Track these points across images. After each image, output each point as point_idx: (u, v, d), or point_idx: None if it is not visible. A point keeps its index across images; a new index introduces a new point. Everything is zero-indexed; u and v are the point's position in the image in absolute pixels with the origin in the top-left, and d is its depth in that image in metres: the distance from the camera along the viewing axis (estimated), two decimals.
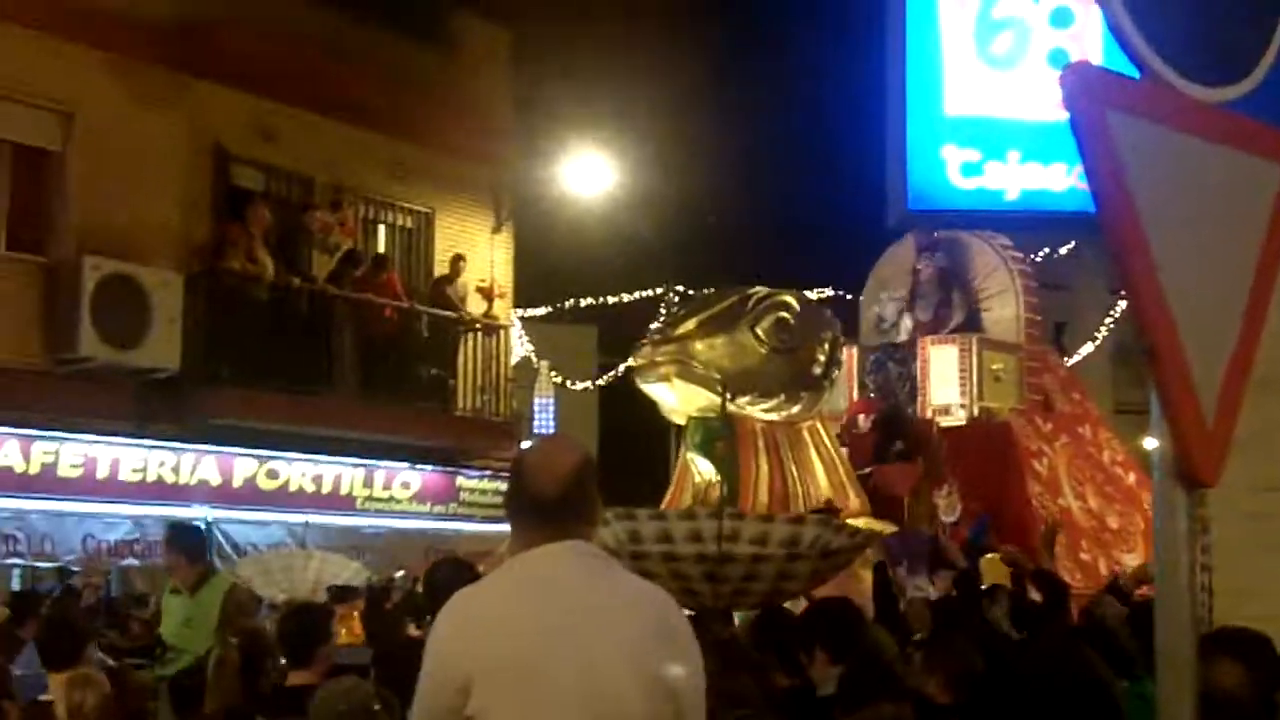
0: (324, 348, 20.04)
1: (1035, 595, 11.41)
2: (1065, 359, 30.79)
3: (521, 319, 26.24)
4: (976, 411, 18.79)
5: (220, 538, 18.81)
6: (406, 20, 22.00)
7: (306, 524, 19.70)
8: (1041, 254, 26.82)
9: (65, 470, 17.66)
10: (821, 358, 15.49)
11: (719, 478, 14.78)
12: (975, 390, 18.80)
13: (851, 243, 18.73)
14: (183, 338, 18.29)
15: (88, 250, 17.66)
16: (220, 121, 19.86)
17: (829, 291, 25.18)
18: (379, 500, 20.88)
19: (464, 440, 21.96)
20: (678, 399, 14.91)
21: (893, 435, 17.65)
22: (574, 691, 3.74)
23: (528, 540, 4.02)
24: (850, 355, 19.33)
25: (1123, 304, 27.83)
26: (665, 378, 14.61)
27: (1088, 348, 29.27)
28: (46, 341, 17.72)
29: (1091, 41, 17.87)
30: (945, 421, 18.66)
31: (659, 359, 14.66)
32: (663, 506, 14.61)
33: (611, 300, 24.52)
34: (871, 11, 20.30)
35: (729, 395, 14.04)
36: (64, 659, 7.59)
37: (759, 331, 14.90)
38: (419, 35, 22.33)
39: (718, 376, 14.21)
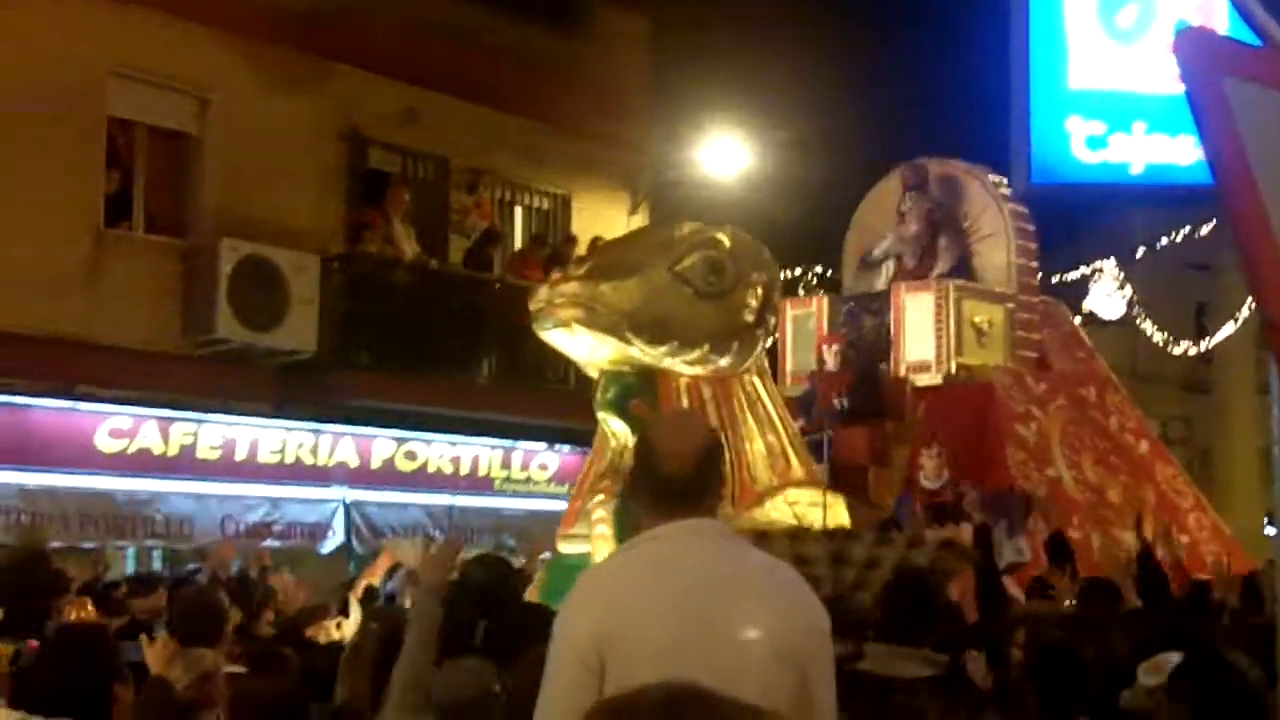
0: (461, 329, 20.03)
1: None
2: (1205, 339, 30.35)
3: None
4: (954, 369, 16.43)
5: (359, 519, 18.88)
6: (542, 4, 21.97)
7: (449, 507, 19.71)
8: (1183, 232, 26.34)
9: (204, 452, 17.78)
10: (754, 303, 12.63)
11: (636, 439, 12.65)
12: (952, 345, 16.35)
13: None
14: (320, 320, 18.35)
15: (225, 233, 17.76)
16: (356, 105, 19.94)
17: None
18: (517, 481, 20.84)
19: None
20: (581, 349, 12.41)
21: (856, 392, 15.76)
22: (708, 666, 3.63)
23: (657, 519, 4.07)
24: (821, 306, 17.71)
25: None
26: (564, 323, 12.00)
27: (1229, 328, 28.61)
28: (184, 323, 17.87)
29: (1219, 13, 17.42)
30: (920, 380, 16.43)
31: (557, 301, 11.99)
32: (581, 476, 13.36)
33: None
34: None
35: (640, 342, 11.99)
36: (200, 639, 7.52)
37: (681, 271, 12.20)
38: (555, 20, 22.29)
39: (626, 324, 11.91)
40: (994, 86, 19.82)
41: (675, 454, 4.09)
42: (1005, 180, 17.87)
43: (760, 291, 12.70)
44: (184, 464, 17.60)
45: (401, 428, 19.50)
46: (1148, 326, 28.97)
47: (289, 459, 18.49)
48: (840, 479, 14.45)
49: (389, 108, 20.21)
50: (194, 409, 17.73)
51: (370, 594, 12.62)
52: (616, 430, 12.39)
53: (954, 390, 16.24)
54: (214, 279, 17.50)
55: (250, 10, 18.55)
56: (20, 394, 16.58)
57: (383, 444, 19.43)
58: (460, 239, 20.90)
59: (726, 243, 12.54)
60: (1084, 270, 26.74)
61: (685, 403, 12.12)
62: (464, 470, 20.15)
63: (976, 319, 16.53)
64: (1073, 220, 30.43)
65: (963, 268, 17.31)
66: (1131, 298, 27.47)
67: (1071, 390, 17.38)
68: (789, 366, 17.55)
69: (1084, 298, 26.95)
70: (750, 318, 12.60)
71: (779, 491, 12.56)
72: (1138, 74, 18.56)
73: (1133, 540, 14.96)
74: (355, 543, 18.72)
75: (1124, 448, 17.33)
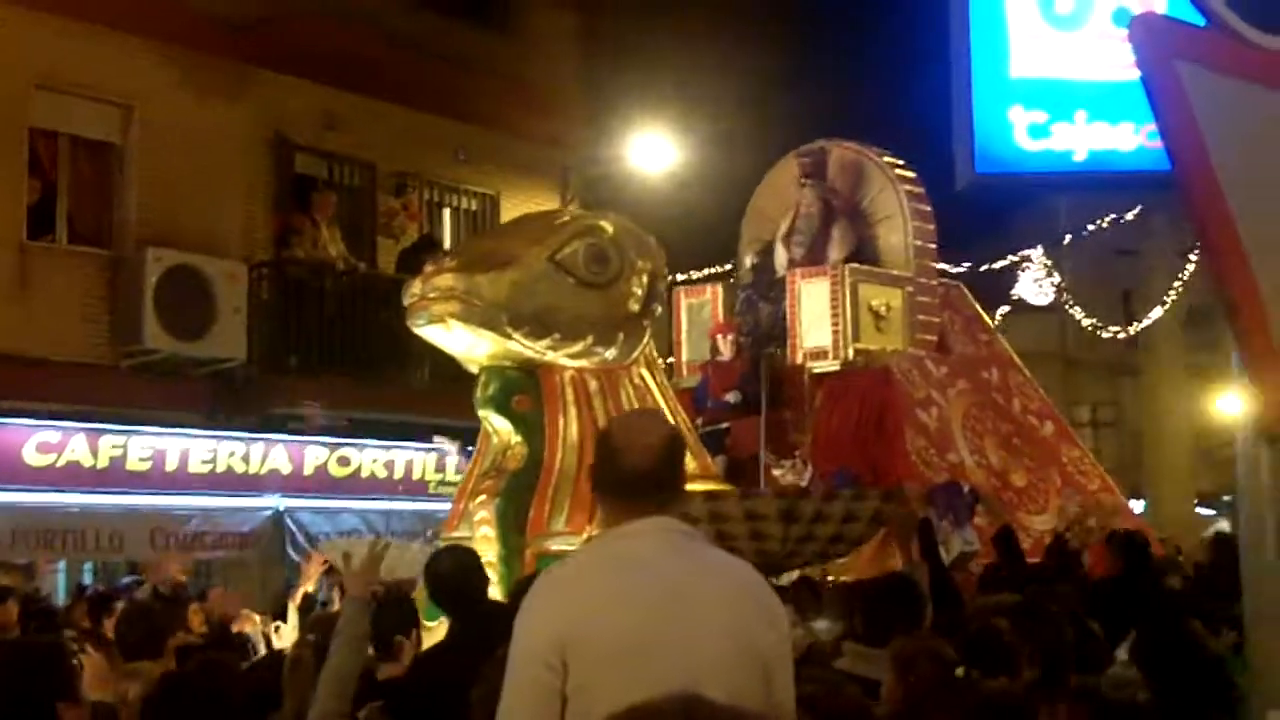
0: (392, 334, 19.90)
1: None
2: (1133, 324, 30.56)
3: None
4: (851, 355, 15.82)
5: (293, 527, 18.78)
6: (469, 4, 21.88)
7: (383, 511, 19.61)
8: (1108, 219, 26.52)
9: (134, 464, 17.58)
10: (638, 291, 12.06)
11: (519, 438, 11.65)
12: (849, 330, 15.76)
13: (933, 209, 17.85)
14: (249, 328, 18.25)
15: (151, 242, 17.64)
16: (282, 110, 19.80)
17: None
18: (451, 485, 20.71)
19: None
20: (458, 344, 11.70)
21: (748, 382, 15.38)
22: (674, 667, 3.70)
23: (617, 516, 4.05)
24: (715, 294, 17.28)
25: (1191, 268, 27.59)
26: (439, 319, 11.30)
27: (1157, 311, 28.82)
28: (112, 335, 17.72)
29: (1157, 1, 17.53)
30: (819, 367, 15.84)
31: (431, 295, 11.30)
32: (464, 477, 12.67)
33: (680, 278, 24.38)
34: None
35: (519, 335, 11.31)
36: (142, 652, 7.48)
37: (562, 260, 11.59)
38: (482, 18, 22.23)
39: (504, 317, 11.23)
40: (930, 76, 19.84)
41: (636, 448, 4.06)
42: (902, 161, 17.37)
43: (645, 280, 12.22)
44: (114, 476, 17.38)
45: (334, 434, 19.36)
46: (1077, 312, 29.16)
47: (220, 468, 18.32)
48: (737, 471, 14.32)
49: (314, 112, 20.08)
50: (123, 421, 17.53)
51: (309, 601, 12.63)
52: (499, 428, 11.79)
53: (851, 376, 15.76)
54: (140, 289, 17.35)
55: (174, 18, 18.36)
56: None
57: (315, 451, 19.28)
58: (389, 242, 20.79)
59: (609, 230, 12.06)
60: (1012, 258, 26.86)
61: (570, 397, 11.65)
62: (398, 475, 20.03)
63: (874, 303, 16.06)
64: (1000, 209, 30.62)
65: (862, 254, 16.80)
66: (1060, 284, 27.63)
67: (973, 373, 16.97)
68: (684, 356, 17.24)
69: (1013, 285, 27.10)
70: (636, 307, 12.12)
71: None
72: (1078, 62, 18.61)
73: (1039, 524, 15.09)
74: (290, 551, 18.58)
75: (1028, 430, 16.98)
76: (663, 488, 4.07)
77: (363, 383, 19.12)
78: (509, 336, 11.31)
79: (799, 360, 15.99)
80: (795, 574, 12.00)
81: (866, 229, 17.02)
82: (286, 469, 18.98)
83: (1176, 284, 28.49)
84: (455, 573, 7.35)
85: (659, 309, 12.81)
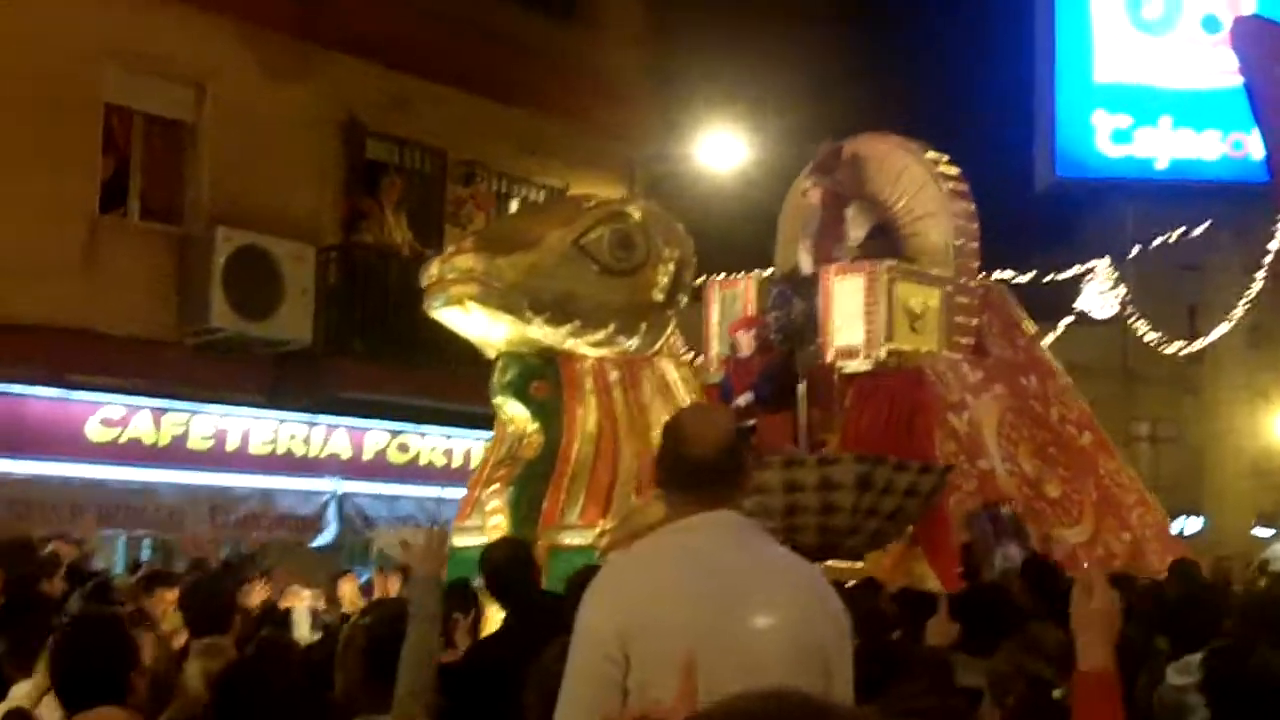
0: None
1: None
2: (1196, 339, 30.31)
3: None
4: (884, 355, 15.05)
5: (351, 511, 18.79)
6: None
7: (438, 499, 19.58)
8: (1176, 233, 26.35)
9: (195, 442, 17.69)
10: (664, 280, 11.68)
11: (536, 426, 11.27)
12: (884, 330, 15.05)
13: (997, 215, 17.43)
14: (315, 310, 18.28)
15: (220, 221, 17.67)
16: (354, 94, 19.77)
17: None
18: None
19: None
20: (476, 328, 11.36)
21: (770, 378, 14.76)
22: (736, 663, 3.63)
23: (683, 508, 4.03)
24: (749, 287, 16.40)
25: (1257, 285, 27.38)
26: (457, 301, 10.96)
27: (1222, 328, 28.62)
28: (179, 312, 17.75)
29: (1246, 6, 17.32)
30: (850, 367, 15.10)
31: (450, 277, 10.94)
32: (480, 464, 12.40)
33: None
34: None
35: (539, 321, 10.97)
36: (209, 627, 7.51)
37: (586, 245, 11.21)
38: (553, 9, 22.17)
39: (525, 301, 10.86)
40: (1015, 78, 19.66)
41: (703, 440, 4.07)
42: (945, 157, 16.62)
43: (672, 269, 11.82)
44: (175, 454, 17.49)
45: (395, 420, 19.37)
46: (1140, 326, 28.94)
47: (281, 450, 18.41)
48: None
49: (385, 96, 20.07)
50: (186, 399, 17.62)
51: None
52: (515, 415, 11.43)
53: (882, 377, 15.08)
54: (209, 268, 17.39)
55: None
56: (12, 382, 16.46)
57: (375, 436, 19.34)
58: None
59: (637, 216, 11.70)
60: (1077, 269, 26.69)
61: (589, 386, 11.35)
62: (456, 463, 20.01)
63: (910, 303, 15.31)
64: (1067, 219, 30.45)
65: (884, 235, 16.10)
66: (1124, 297, 27.43)
67: (1011, 379, 16.39)
68: (714, 350, 16.47)
69: (1076, 297, 26.94)
70: (660, 296, 11.73)
71: None
72: (1164, 67, 18.39)
73: (1072, 537, 14.79)
74: (348, 534, 18.63)
75: (1065, 440, 16.45)
76: (727, 481, 4.07)
77: (425, 369, 19.08)
78: (529, 321, 10.99)
79: (830, 358, 15.37)
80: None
81: (885, 217, 16.28)
82: (346, 453, 19.04)
83: (1243, 301, 28.28)
84: (510, 563, 7.38)
85: (685, 299, 12.42)
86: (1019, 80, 18.78)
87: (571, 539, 10.61)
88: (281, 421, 18.45)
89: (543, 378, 11.26)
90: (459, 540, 11.07)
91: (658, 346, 11.82)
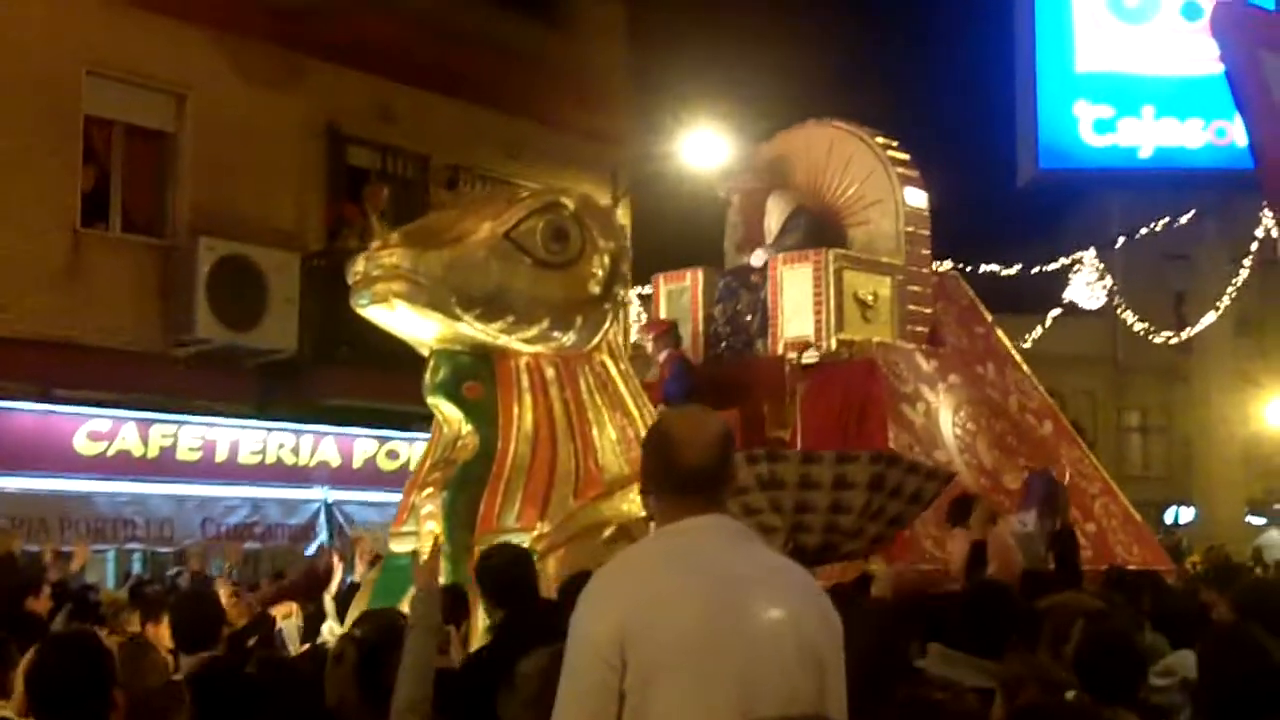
0: None
1: None
2: (1185, 329, 30.32)
3: (639, 295, 25.98)
4: (835, 345, 14.51)
5: (340, 519, 18.76)
6: None
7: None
8: (1162, 223, 26.35)
9: (184, 453, 17.67)
10: (600, 272, 11.25)
11: (470, 427, 10.74)
12: (833, 320, 14.51)
13: (982, 209, 17.36)
14: (300, 319, 18.25)
15: (203, 232, 17.65)
16: (335, 101, 19.78)
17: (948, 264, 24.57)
18: None
19: None
20: (405, 326, 10.89)
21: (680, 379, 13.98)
22: (734, 666, 3.69)
23: (674, 512, 3.99)
24: (696, 280, 15.72)
25: (1244, 274, 27.40)
26: (382, 298, 10.41)
27: (1210, 317, 28.65)
28: (163, 324, 17.73)
29: None
30: (801, 359, 14.39)
31: (375, 274, 10.42)
32: (416, 468, 11.97)
33: None
34: None
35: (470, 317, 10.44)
36: (198, 642, 7.45)
37: (518, 237, 10.76)
38: (533, 13, 22.15)
39: (454, 298, 10.41)
40: (997, 71, 19.60)
41: (696, 444, 4.02)
42: (894, 142, 15.87)
43: (608, 260, 11.31)
44: (164, 466, 17.47)
45: (383, 427, 19.34)
46: (1128, 316, 28.96)
47: (270, 460, 18.39)
48: None
49: (367, 104, 20.05)
50: (174, 410, 17.60)
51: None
52: (450, 416, 10.89)
53: (833, 368, 14.51)
54: (192, 278, 17.38)
55: (228, 6, 18.39)
56: None
57: (364, 443, 19.31)
58: None
59: (571, 206, 11.17)
60: (1064, 261, 26.67)
61: (525, 384, 10.84)
62: None
63: (860, 291, 14.76)
64: (1052, 211, 30.46)
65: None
66: (1111, 288, 27.40)
67: (967, 367, 15.76)
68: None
69: (1064, 289, 26.93)
70: (597, 289, 11.21)
71: (631, 482, 10.33)
72: (1146, 56, 18.23)
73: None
74: (337, 543, 18.56)
75: (1024, 429, 15.81)
76: (718, 484, 4.03)
77: (413, 375, 18.98)
78: (458, 318, 10.52)
79: (779, 350, 14.78)
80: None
81: (853, 213, 15.59)
82: (336, 461, 19.02)
83: (1230, 289, 28.31)
84: (507, 567, 7.36)
85: (622, 293, 11.96)
86: (1001, 74, 18.75)
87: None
88: (270, 431, 18.42)
89: (476, 377, 10.80)
90: (395, 546, 10.90)
91: (596, 341, 11.30)
